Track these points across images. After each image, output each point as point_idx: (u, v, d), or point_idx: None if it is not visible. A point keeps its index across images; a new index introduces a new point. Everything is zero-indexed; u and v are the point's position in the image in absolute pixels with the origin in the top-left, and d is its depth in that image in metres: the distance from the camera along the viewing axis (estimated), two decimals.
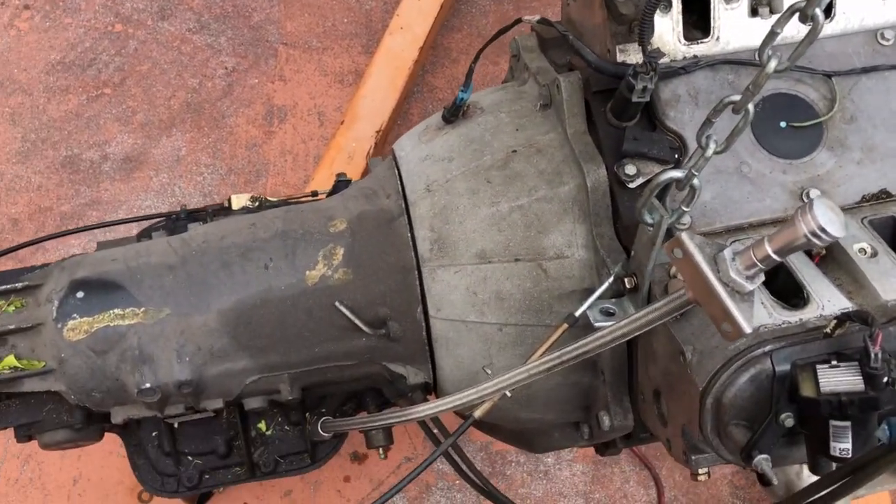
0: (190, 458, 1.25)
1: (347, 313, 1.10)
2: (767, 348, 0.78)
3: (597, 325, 0.91)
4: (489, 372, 0.95)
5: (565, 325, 0.94)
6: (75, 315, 1.08)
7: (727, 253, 0.70)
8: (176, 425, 1.23)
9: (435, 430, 1.18)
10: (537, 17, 1.13)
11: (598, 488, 1.86)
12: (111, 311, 1.09)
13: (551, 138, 1.06)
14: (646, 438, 1.14)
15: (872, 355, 0.70)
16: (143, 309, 1.09)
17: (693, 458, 0.88)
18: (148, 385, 1.08)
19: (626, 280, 0.92)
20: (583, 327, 0.94)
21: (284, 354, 1.12)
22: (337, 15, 2.35)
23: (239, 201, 1.39)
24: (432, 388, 1.18)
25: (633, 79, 0.90)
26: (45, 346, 1.09)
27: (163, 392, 1.09)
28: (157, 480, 1.25)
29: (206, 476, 1.26)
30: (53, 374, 1.09)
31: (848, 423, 0.72)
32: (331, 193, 1.35)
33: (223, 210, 1.36)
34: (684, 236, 0.73)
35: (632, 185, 0.95)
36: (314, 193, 1.46)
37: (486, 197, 1.05)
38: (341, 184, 1.34)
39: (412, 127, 1.25)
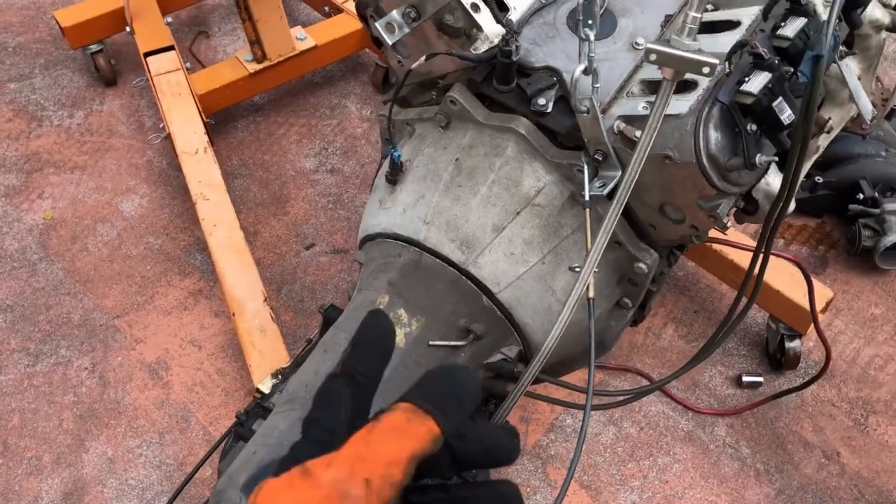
0: None
1: (441, 343, 1.33)
2: (710, 102, 1.18)
3: (605, 191, 1.25)
4: (577, 269, 1.23)
5: (587, 210, 1.27)
6: None
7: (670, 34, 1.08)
8: None
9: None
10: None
11: (626, 415, 2.18)
12: None
13: (471, 135, 1.40)
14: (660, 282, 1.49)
15: (762, 53, 1.14)
16: None
17: (717, 212, 1.25)
18: None
19: (595, 156, 1.28)
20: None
21: None
22: (139, 269, 2.48)
23: (266, 385, 1.53)
24: (527, 355, 1.43)
25: (506, 46, 1.28)
26: None
27: None
28: None
29: None
30: None
31: (780, 98, 1.14)
32: (325, 326, 1.55)
33: (264, 398, 1.49)
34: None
35: (549, 110, 1.32)
36: (308, 341, 1.62)
37: (467, 195, 1.36)
38: (332, 309, 1.55)
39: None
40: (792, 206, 1.31)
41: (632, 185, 1.14)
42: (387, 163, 1.51)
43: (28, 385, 2.22)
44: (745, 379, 2.23)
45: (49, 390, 2.21)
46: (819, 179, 2.53)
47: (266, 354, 1.98)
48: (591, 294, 1.21)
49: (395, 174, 1.42)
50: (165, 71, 2.64)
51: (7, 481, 2.04)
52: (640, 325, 2.36)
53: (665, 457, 2.12)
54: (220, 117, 2.85)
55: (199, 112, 2.54)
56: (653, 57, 1.04)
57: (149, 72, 2.66)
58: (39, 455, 2.09)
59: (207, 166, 2.39)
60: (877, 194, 2.43)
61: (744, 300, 1.49)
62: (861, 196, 2.45)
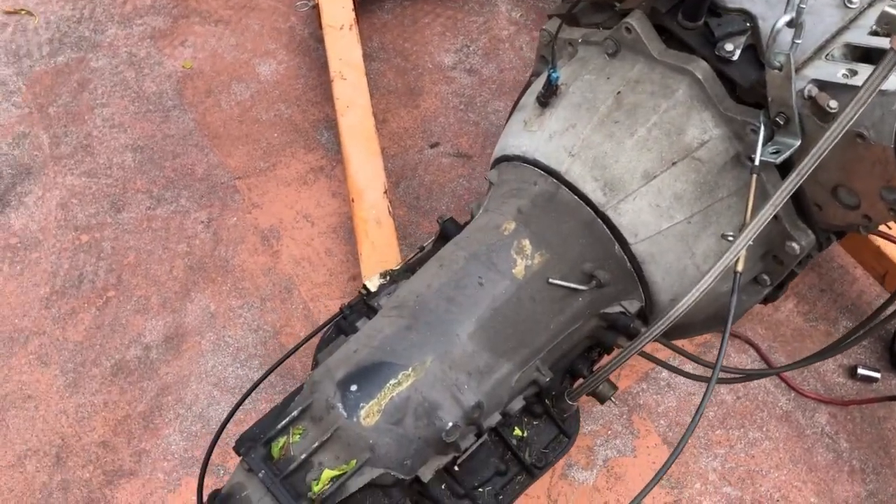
0: (480, 489, 1.35)
1: (560, 283, 1.27)
2: None
3: (779, 159, 1.14)
4: (731, 238, 1.14)
5: (753, 176, 1.16)
6: (362, 404, 1.18)
7: None
8: (456, 468, 1.33)
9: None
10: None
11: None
12: (388, 384, 1.19)
13: (639, 69, 1.29)
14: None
15: None
16: (410, 368, 1.21)
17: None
18: (451, 423, 1.19)
19: (776, 118, 1.15)
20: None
21: (531, 343, 1.27)
22: (266, 134, 2.49)
23: (373, 283, 1.51)
24: (647, 313, 1.36)
25: None
26: (349, 445, 1.17)
27: (465, 422, 1.20)
28: None
29: (500, 496, 1.37)
30: (369, 462, 1.17)
31: None
32: (440, 237, 1.51)
33: (369, 295, 1.47)
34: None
35: (734, 58, 1.20)
36: (421, 248, 1.58)
37: (623, 133, 1.26)
38: (450, 222, 1.50)
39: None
40: None
41: (817, 161, 1.03)
42: (540, 81, 1.42)
43: (147, 227, 2.29)
44: (861, 371, 2.09)
45: (165, 236, 2.28)
46: None
47: (378, 246, 1.97)
48: (739, 268, 1.12)
49: (549, 96, 1.33)
50: None
51: (117, 313, 2.14)
52: None
53: (757, 431, 2.04)
54: None
55: None
56: (885, 22, 0.91)
57: None
58: (148, 296, 2.17)
59: (350, 44, 2.34)
60: None
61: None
62: None
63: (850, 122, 1.00)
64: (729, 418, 2.06)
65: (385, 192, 2.07)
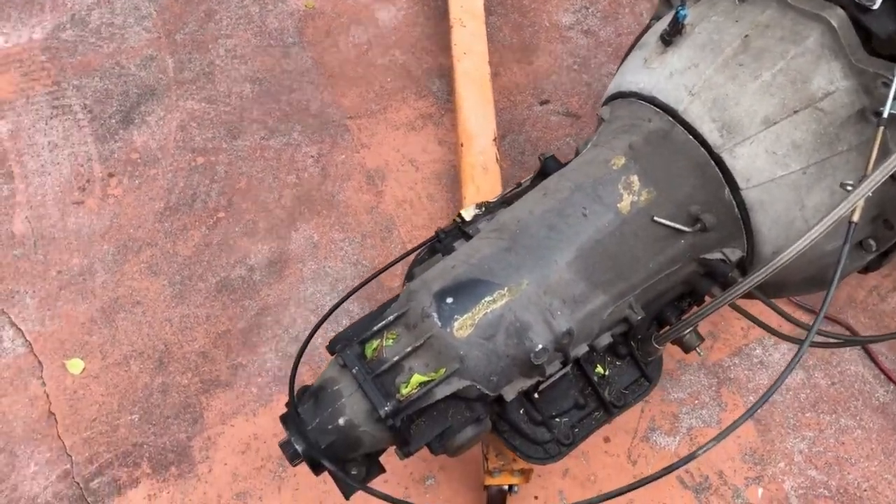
0: (557, 419, 1.37)
1: (665, 222, 1.26)
2: None
3: None
4: (849, 188, 1.10)
5: (880, 129, 1.12)
6: (456, 316, 1.20)
7: None
8: (537, 395, 1.35)
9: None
10: None
11: (820, 364, 2.03)
12: (483, 301, 1.22)
13: (770, 14, 1.26)
14: None
15: None
16: (506, 288, 1.22)
17: None
18: (540, 346, 1.21)
19: None
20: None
21: (628, 279, 1.27)
22: (380, 78, 2.54)
23: (469, 212, 1.52)
24: (745, 264, 1.34)
25: None
26: (439, 353, 1.20)
27: (554, 347, 1.21)
28: (539, 451, 1.36)
29: (576, 429, 1.38)
30: (458, 373, 1.20)
31: None
32: (540, 173, 1.51)
33: (464, 223, 1.49)
34: None
35: (875, 6, 1.15)
36: (518, 184, 1.59)
37: (746, 77, 1.24)
38: (552, 159, 1.50)
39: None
40: None
41: None
42: (662, 23, 1.40)
43: (260, 156, 2.38)
44: None
45: (276, 165, 2.36)
46: None
47: (482, 192, 1.99)
48: (855, 218, 1.09)
49: (673, 34, 1.32)
50: None
51: (225, 234, 2.24)
52: (867, 281, 2.16)
53: (849, 419, 1.97)
54: None
55: None
56: None
57: None
58: (256, 220, 2.27)
59: None
60: None
61: None
62: None
63: None
64: (821, 402, 2.00)
65: (495, 139, 2.09)
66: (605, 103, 1.45)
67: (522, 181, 1.58)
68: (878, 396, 2.00)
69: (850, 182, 1.12)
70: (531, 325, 1.21)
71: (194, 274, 2.18)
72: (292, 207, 2.29)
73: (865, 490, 1.88)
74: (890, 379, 2.02)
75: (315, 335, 1.45)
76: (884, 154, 1.11)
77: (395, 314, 1.24)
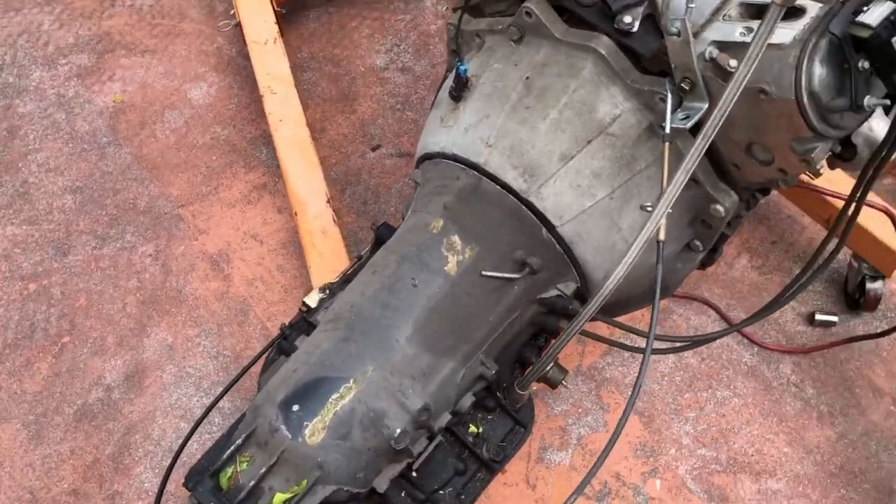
0: (441, 491, 1.35)
1: (494, 274, 1.27)
2: (819, 33, 1.04)
3: (689, 124, 1.14)
4: (649, 208, 1.13)
5: (666, 144, 1.16)
6: (305, 423, 1.17)
7: None
8: (414, 473, 1.33)
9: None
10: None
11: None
12: (330, 399, 1.19)
13: (545, 53, 1.29)
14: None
15: None
16: (351, 380, 1.20)
17: (811, 156, 1.13)
18: (399, 430, 1.19)
19: (681, 84, 1.15)
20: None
21: (471, 338, 1.27)
22: (205, 158, 2.47)
23: (313, 299, 1.49)
24: (584, 293, 1.36)
25: None
26: (297, 466, 1.16)
27: (414, 427, 1.20)
28: None
29: (462, 496, 1.36)
30: (320, 480, 1.16)
31: None
32: (376, 244, 1.50)
33: (309, 312, 1.46)
34: None
35: (634, 29, 1.19)
36: (359, 258, 1.57)
37: (536, 118, 1.26)
38: (384, 227, 1.49)
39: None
40: None
41: (721, 121, 1.03)
42: (451, 77, 1.41)
43: (95, 267, 2.26)
44: (819, 317, 2.11)
45: (114, 273, 2.25)
46: None
47: (326, 256, 1.96)
48: (661, 237, 1.12)
49: (460, 90, 1.33)
50: None
51: (73, 359, 2.12)
52: None
53: (725, 390, 2.05)
54: (292, 6, 2.75)
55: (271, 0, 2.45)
56: None
57: None
58: (104, 336, 2.15)
59: (276, 58, 2.32)
60: None
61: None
62: None
63: (747, 79, 1.01)
64: (696, 381, 2.07)
65: (328, 202, 2.06)
66: (417, 165, 1.44)
67: (362, 254, 1.55)
68: (745, 361, 2.09)
69: (649, 204, 1.15)
70: (385, 412, 1.19)
71: (48, 409, 2.05)
72: (139, 314, 2.18)
73: (752, 455, 1.96)
74: (752, 341, 2.11)
75: (189, 442, 1.38)
76: (677, 165, 1.15)
77: (244, 435, 1.19)
